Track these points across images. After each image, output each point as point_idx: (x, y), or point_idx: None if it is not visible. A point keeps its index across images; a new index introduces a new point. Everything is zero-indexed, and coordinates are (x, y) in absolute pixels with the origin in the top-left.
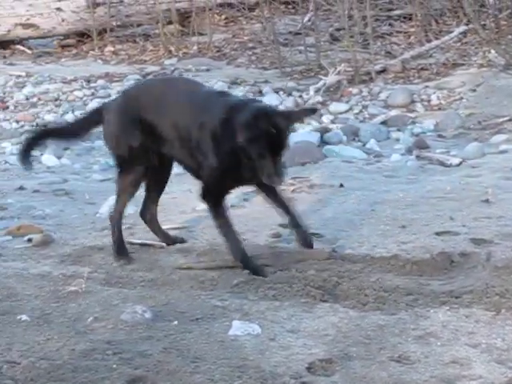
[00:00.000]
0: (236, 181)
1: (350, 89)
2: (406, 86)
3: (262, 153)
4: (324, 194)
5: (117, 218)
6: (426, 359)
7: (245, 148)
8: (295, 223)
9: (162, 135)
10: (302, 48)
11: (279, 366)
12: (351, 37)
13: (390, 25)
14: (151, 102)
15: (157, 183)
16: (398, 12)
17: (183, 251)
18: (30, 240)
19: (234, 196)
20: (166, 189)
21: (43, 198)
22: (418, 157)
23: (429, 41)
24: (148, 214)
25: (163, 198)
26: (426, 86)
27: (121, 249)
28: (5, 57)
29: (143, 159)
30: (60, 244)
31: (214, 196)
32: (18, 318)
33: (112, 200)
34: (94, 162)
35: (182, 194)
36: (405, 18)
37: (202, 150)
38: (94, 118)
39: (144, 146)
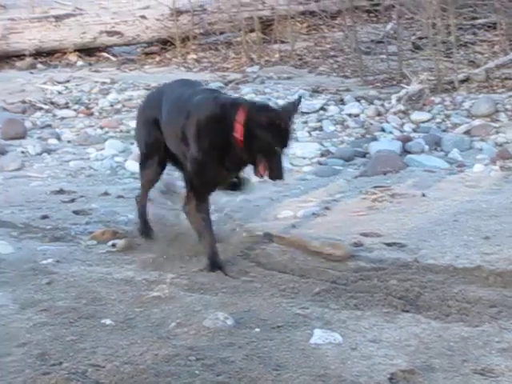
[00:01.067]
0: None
1: (433, 98)
2: (490, 96)
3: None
4: (406, 204)
5: (141, 201)
6: (510, 373)
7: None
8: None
9: (165, 132)
10: (384, 56)
11: (361, 375)
12: (434, 45)
13: (473, 33)
14: (157, 102)
15: None
16: (481, 21)
17: None
18: (113, 245)
19: (315, 204)
20: (249, 196)
21: (127, 203)
22: (501, 167)
23: None
24: None
25: (245, 205)
26: (510, 96)
27: (143, 227)
28: (90, 64)
29: (156, 154)
30: (143, 249)
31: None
32: (103, 321)
33: None
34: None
35: (264, 202)
36: (489, 26)
37: (189, 143)
38: None
39: (157, 142)
